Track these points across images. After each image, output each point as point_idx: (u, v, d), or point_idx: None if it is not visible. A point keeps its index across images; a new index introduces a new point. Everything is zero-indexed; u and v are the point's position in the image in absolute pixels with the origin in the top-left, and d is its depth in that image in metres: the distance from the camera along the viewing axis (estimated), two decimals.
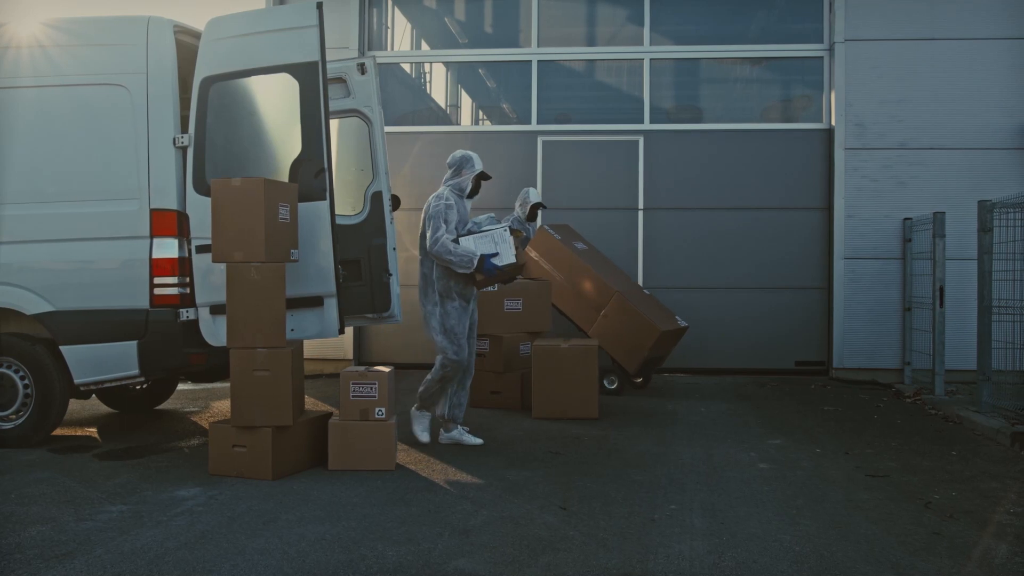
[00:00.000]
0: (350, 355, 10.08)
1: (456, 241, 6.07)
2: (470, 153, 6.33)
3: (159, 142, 6.09)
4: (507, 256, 5.92)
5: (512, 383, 7.76)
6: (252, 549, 4.11)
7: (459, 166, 6.28)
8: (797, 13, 10.11)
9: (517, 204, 8.81)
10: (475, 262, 5.96)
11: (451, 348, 6.13)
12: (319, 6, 5.90)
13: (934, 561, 4.02)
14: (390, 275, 7.15)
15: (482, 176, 6.32)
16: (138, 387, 7.57)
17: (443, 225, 6.04)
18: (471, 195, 6.33)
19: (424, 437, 6.35)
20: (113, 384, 6.27)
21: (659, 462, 5.85)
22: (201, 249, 5.95)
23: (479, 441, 6.32)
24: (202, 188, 5.98)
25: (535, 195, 8.80)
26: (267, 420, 5.33)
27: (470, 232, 6.21)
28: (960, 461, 5.98)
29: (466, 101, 11.47)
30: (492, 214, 6.47)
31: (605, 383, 8.39)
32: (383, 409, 5.56)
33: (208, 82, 6.07)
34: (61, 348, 6.15)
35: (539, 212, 9.16)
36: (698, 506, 4.84)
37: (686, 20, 10.33)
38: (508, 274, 6.18)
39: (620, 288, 8.24)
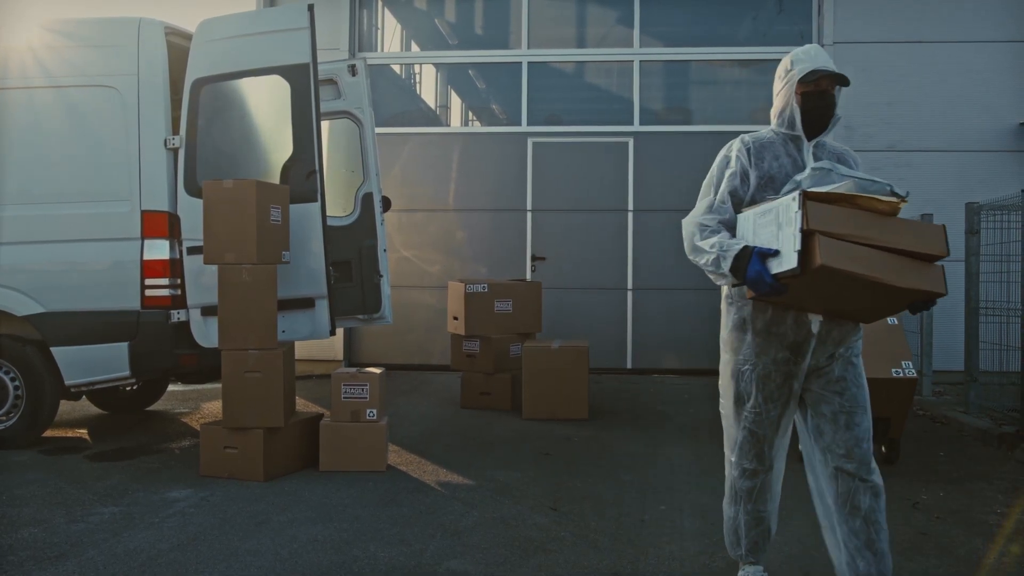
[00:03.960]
0: (340, 356, 10.08)
1: (726, 225, 3.36)
2: (797, 52, 3.42)
3: (150, 144, 6.09)
4: (787, 256, 2.95)
5: (502, 384, 7.77)
6: (244, 551, 4.12)
7: (780, 80, 3.45)
8: (786, 16, 10.15)
9: None
10: (726, 262, 3.17)
11: (727, 431, 3.55)
12: (310, 8, 5.91)
13: (921, 561, 4.07)
14: (381, 276, 7.17)
15: (815, 80, 3.33)
16: (128, 388, 7.56)
17: (708, 194, 3.45)
18: (811, 128, 3.42)
19: None
20: (104, 385, 6.27)
21: (649, 463, 5.88)
22: (192, 251, 5.95)
23: None
24: (193, 190, 5.98)
25: None
26: (258, 421, 5.34)
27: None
28: (948, 462, 6.03)
29: (456, 102, 11.48)
30: (826, 162, 3.28)
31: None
32: (374, 410, 5.58)
33: (199, 84, 6.07)
34: (52, 349, 6.14)
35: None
36: (688, 507, 4.87)
37: (676, 22, 10.35)
38: (805, 290, 3.07)
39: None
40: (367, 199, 7.23)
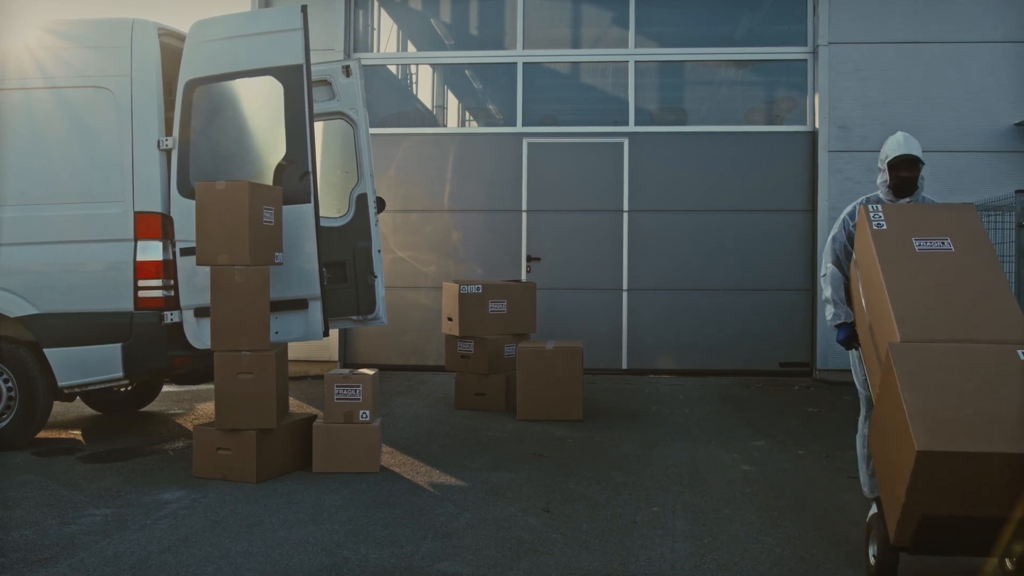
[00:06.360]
0: (335, 357, 10.08)
1: None
2: None
3: (143, 145, 6.08)
4: None
5: (497, 385, 7.77)
6: (235, 552, 4.12)
7: None
8: (781, 16, 10.15)
9: None
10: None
11: None
12: (304, 9, 5.91)
13: (914, 563, 4.06)
14: (375, 277, 7.17)
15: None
16: (122, 389, 7.55)
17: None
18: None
19: None
20: (97, 387, 6.26)
21: (642, 464, 5.88)
22: (185, 252, 5.95)
23: None
24: (186, 191, 5.97)
25: (895, 145, 4.80)
26: (251, 423, 5.34)
27: None
28: None
29: (452, 103, 11.48)
30: None
31: (871, 553, 3.89)
32: (367, 412, 5.58)
33: (192, 85, 6.06)
34: (45, 351, 6.13)
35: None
36: (681, 508, 4.87)
37: (671, 22, 10.37)
38: None
39: (914, 335, 3.65)
40: (361, 200, 7.22)
